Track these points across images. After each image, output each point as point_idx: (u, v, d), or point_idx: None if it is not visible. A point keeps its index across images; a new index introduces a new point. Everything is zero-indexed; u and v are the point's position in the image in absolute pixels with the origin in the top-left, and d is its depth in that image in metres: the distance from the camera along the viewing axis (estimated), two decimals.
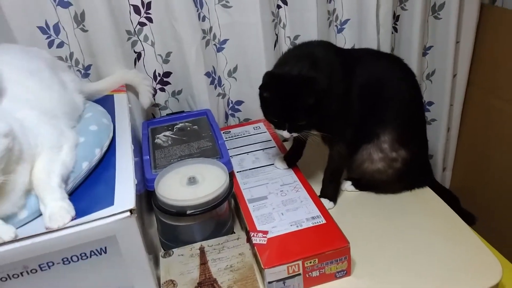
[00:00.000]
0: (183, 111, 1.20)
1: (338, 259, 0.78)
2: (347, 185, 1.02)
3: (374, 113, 0.90)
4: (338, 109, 0.86)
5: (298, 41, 1.20)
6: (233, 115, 1.29)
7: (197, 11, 1.08)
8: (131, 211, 0.62)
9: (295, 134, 0.86)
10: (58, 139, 0.69)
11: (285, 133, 0.85)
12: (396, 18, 1.28)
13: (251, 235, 0.81)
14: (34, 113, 0.69)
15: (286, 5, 1.16)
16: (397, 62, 0.97)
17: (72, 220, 0.61)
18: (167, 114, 1.21)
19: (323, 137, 0.91)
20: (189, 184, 0.83)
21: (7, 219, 0.61)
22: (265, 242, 0.79)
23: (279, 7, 1.16)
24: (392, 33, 1.28)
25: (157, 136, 1.07)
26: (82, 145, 0.74)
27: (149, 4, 1.07)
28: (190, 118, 1.15)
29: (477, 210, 1.32)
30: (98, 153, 0.75)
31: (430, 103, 1.43)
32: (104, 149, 0.78)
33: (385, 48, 1.26)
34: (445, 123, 1.41)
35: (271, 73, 0.86)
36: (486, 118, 1.38)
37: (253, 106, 1.25)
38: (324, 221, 0.83)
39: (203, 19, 1.11)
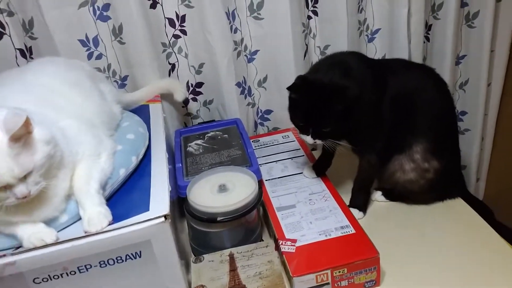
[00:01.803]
0: (213, 120, 1.23)
1: (367, 269, 0.78)
2: (378, 195, 1.01)
3: (406, 123, 0.90)
4: (369, 119, 0.87)
5: (328, 51, 1.22)
6: (262, 124, 1.31)
7: (229, 23, 1.11)
8: (165, 216, 0.65)
9: (318, 141, 0.86)
10: (97, 147, 0.73)
11: (309, 139, 0.86)
12: (428, 27, 1.27)
13: (280, 243, 0.82)
14: (75, 122, 0.73)
15: (317, 16, 1.17)
16: (429, 72, 0.96)
17: (109, 224, 0.64)
18: (199, 123, 1.24)
19: (353, 147, 0.91)
20: (219, 191, 0.85)
21: (49, 222, 0.65)
22: (294, 251, 0.80)
23: (309, 17, 1.18)
24: (424, 42, 1.27)
25: (189, 144, 1.10)
26: (120, 153, 0.77)
27: (183, 17, 1.11)
28: (220, 127, 1.17)
29: (509, 222, 1.29)
30: (134, 161, 0.79)
31: (464, 113, 1.40)
32: (140, 157, 0.81)
33: (417, 57, 1.25)
34: (479, 133, 1.38)
35: (303, 76, 0.88)
36: None
37: (282, 115, 1.27)
38: (353, 231, 0.84)
39: (235, 31, 1.14)
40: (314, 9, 1.17)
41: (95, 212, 0.65)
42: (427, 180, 0.93)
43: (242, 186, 0.86)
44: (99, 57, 1.09)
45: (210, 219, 0.80)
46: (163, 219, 0.64)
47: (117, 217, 0.66)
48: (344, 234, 0.83)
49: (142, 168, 0.80)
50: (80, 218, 0.67)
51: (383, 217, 0.98)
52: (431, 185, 0.94)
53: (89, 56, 1.08)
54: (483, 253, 0.85)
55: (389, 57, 1.25)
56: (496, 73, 1.32)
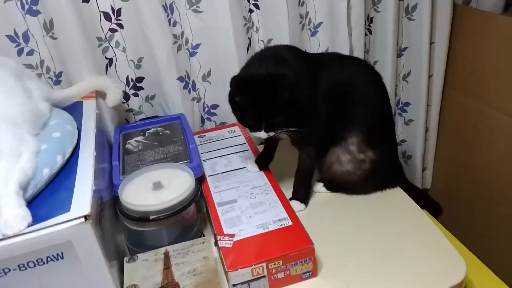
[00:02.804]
0: (156, 116, 1.20)
1: (302, 260, 0.78)
2: (319, 187, 1.02)
3: (340, 116, 0.91)
4: (305, 110, 0.87)
5: (272, 44, 1.21)
6: (209, 119, 1.29)
7: (167, 16, 1.08)
8: (86, 217, 0.62)
9: (272, 134, 0.85)
10: (17, 146, 0.69)
11: (262, 134, 0.85)
12: (370, 20, 1.29)
13: (218, 239, 0.81)
14: None
15: (258, 9, 1.16)
16: (363, 65, 0.98)
17: (28, 226, 0.61)
18: (140, 119, 1.21)
19: (292, 139, 0.91)
20: (154, 189, 0.83)
21: None
22: (231, 246, 0.80)
23: (251, 11, 1.17)
24: (366, 35, 1.29)
25: (128, 141, 1.07)
26: (44, 152, 0.74)
27: (119, 10, 1.07)
28: (163, 123, 1.15)
29: (458, 208, 1.34)
30: (60, 160, 0.75)
31: (407, 104, 1.43)
32: (67, 156, 0.78)
33: (359, 50, 1.27)
34: (423, 123, 1.42)
35: (238, 77, 0.86)
36: (464, 118, 1.39)
37: (228, 110, 1.23)
38: (290, 223, 0.84)
39: (174, 24, 1.11)
40: (255, 2, 1.16)
41: (13, 214, 0.61)
42: (363, 170, 0.94)
43: (178, 183, 0.84)
44: (30, 53, 1.04)
45: (142, 218, 0.78)
46: (83, 219, 0.62)
47: (38, 219, 0.63)
48: (281, 226, 0.83)
49: (69, 167, 0.77)
50: None
51: (324, 208, 0.99)
52: (368, 175, 0.95)
53: (19, 52, 1.02)
54: (418, 240, 0.87)
55: (332, 50, 1.26)
56: (437, 65, 1.35)
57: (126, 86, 1.18)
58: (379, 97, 0.96)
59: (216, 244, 0.83)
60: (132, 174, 0.87)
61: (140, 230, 0.81)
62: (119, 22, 1.09)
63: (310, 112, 0.88)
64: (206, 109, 1.27)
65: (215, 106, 1.27)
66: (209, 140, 1.17)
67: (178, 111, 1.18)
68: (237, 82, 0.84)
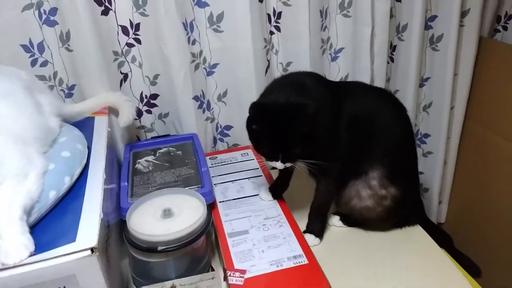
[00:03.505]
0: (168, 135, 1.16)
1: None
2: (335, 220, 0.97)
3: (362, 148, 0.86)
4: (326, 141, 0.82)
5: (290, 68, 1.18)
6: (221, 140, 1.25)
7: (187, 34, 1.05)
8: (92, 249, 0.58)
9: (289, 165, 0.81)
10: (24, 166, 0.65)
11: (279, 164, 0.80)
12: (393, 48, 1.25)
13: (228, 274, 0.77)
14: (1, 138, 0.65)
15: (279, 31, 1.13)
16: (388, 97, 0.93)
17: (30, 256, 0.57)
18: (152, 138, 1.17)
19: (310, 170, 0.87)
20: (163, 217, 0.78)
21: None
22: (242, 283, 0.75)
23: (271, 33, 1.13)
24: (388, 63, 1.25)
25: (138, 161, 1.03)
26: (51, 173, 0.70)
27: (138, 25, 1.05)
28: (175, 142, 1.11)
29: (471, 245, 1.28)
30: (67, 182, 0.71)
31: (427, 135, 1.39)
32: (75, 177, 0.74)
33: (380, 78, 1.23)
34: (442, 156, 1.37)
35: (258, 103, 0.82)
36: (483, 153, 1.34)
37: (242, 131, 1.19)
38: (306, 261, 0.79)
39: (193, 42, 1.08)
40: (277, 24, 1.13)
41: (15, 242, 0.57)
42: (384, 207, 0.89)
43: (189, 211, 0.79)
44: (44, 64, 1.01)
45: (150, 248, 0.73)
46: (89, 252, 0.57)
47: (42, 246, 0.59)
48: (296, 264, 0.78)
49: (76, 189, 0.73)
50: None
51: (340, 243, 0.93)
52: (389, 212, 0.90)
53: (33, 63, 0.99)
54: (440, 283, 0.82)
55: (352, 77, 1.22)
56: (459, 97, 1.31)
57: (140, 103, 1.14)
58: (404, 130, 0.91)
59: (225, 278, 0.78)
60: (141, 199, 0.82)
61: (146, 261, 0.76)
62: (137, 37, 1.06)
63: (331, 144, 0.84)
64: (220, 129, 1.24)
65: (228, 127, 1.23)
66: (221, 162, 1.13)
67: (191, 130, 1.15)
68: (256, 109, 0.80)
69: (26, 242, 0.58)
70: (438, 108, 1.32)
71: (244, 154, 1.16)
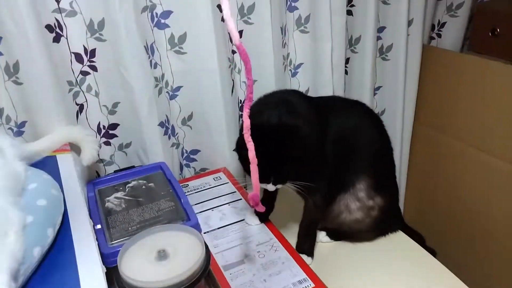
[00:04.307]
0: (133, 166, 1.08)
1: None
2: (322, 236, 0.96)
3: (348, 162, 0.87)
4: (314, 159, 0.82)
5: (255, 86, 1.15)
6: (188, 166, 1.20)
7: (149, 58, 0.99)
8: None
9: (279, 186, 0.80)
10: (2, 223, 0.56)
11: (270, 187, 0.79)
12: (346, 60, 1.29)
13: None
14: None
15: None
16: (365, 109, 0.96)
17: None
18: (115, 171, 1.08)
19: (298, 190, 0.85)
20: (159, 259, 0.71)
21: None
22: None
23: (233, 52, 1.11)
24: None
25: (107, 199, 0.94)
26: (31, 227, 0.61)
27: (93, 51, 0.97)
28: (143, 174, 1.03)
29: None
30: (51, 234, 0.62)
31: None
32: (57, 227, 0.65)
33: (339, 90, 1.26)
34: (398, 160, 1.43)
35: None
36: (434, 153, 1.43)
37: (209, 155, 1.17)
38: (313, 285, 0.77)
39: (155, 66, 1.02)
40: None
41: None
42: (372, 218, 0.91)
43: (185, 250, 0.73)
44: None
45: None
46: None
47: None
48: None
49: (60, 240, 0.64)
50: None
51: (330, 259, 0.93)
52: (376, 222, 0.92)
53: None
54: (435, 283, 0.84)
55: (313, 91, 1.23)
56: (408, 102, 1.39)
57: (97, 134, 1.05)
58: (383, 141, 0.94)
59: None
60: (128, 241, 0.74)
61: None
62: (92, 64, 0.98)
63: (320, 163, 0.83)
64: (185, 154, 1.18)
65: (195, 152, 1.18)
66: (194, 190, 1.08)
67: (158, 159, 1.08)
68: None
69: None
70: (390, 115, 1.39)
71: (217, 178, 1.12)
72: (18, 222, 0.59)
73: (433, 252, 1.00)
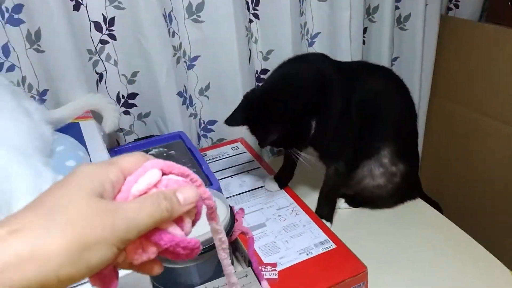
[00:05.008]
0: (153, 135, 1.09)
1: (357, 286, 0.72)
2: (341, 203, 0.97)
3: (373, 128, 0.87)
4: (338, 124, 0.82)
5: (271, 56, 1.15)
6: (205, 136, 1.21)
7: (167, 26, 0.99)
8: None
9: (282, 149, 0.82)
10: (35, 182, 0.57)
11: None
12: (364, 30, 1.28)
13: (259, 270, 0.73)
14: (1, 151, 0.56)
15: (258, 19, 1.11)
16: (391, 75, 0.95)
17: None
18: (135, 140, 1.10)
19: (320, 153, 0.86)
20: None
21: None
22: (277, 276, 0.72)
23: (250, 21, 1.10)
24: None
25: None
26: None
27: (112, 20, 0.97)
28: (163, 142, 1.04)
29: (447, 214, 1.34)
30: None
31: None
32: None
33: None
34: None
35: (249, 93, 0.86)
36: (450, 126, 1.42)
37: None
38: (334, 246, 0.78)
39: (173, 34, 1.02)
40: (255, 12, 1.10)
41: None
42: (394, 184, 0.91)
43: None
44: (11, 68, 0.90)
45: None
46: None
47: None
48: (325, 250, 0.77)
49: None
50: None
51: (349, 225, 0.94)
52: (397, 188, 0.92)
53: None
54: (454, 250, 0.85)
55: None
56: (425, 74, 1.37)
57: (117, 103, 1.06)
58: (408, 108, 0.93)
59: (256, 276, 0.75)
60: None
61: (172, 267, 0.71)
62: (111, 32, 0.98)
63: (341, 133, 0.83)
64: (203, 125, 1.19)
65: (212, 122, 1.18)
66: (212, 159, 1.09)
67: (176, 129, 1.09)
68: (245, 100, 0.84)
69: None
70: (407, 85, 1.36)
71: (235, 147, 1.13)
72: (50, 180, 0.60)
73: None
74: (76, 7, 0.92)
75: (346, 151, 0.86)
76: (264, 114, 0.78)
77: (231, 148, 1.13)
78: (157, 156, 0.97)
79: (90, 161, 0.74)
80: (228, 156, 1.09)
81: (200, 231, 0.68)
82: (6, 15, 0.86)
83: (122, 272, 0.50)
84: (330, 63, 0.88)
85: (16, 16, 0.87)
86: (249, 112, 0.81)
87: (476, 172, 1.34)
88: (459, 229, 0.91)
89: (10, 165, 0.56)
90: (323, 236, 0.80)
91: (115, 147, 1.06)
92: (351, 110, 0.83)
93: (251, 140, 1.18)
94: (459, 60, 1.35)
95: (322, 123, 0.80)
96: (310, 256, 0.76)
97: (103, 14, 0.96)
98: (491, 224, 1.28)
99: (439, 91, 1.42)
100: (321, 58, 0.89)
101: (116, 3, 0.95)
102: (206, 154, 1.11)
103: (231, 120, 0.81)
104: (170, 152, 1.00)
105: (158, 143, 1.04)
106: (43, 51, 0.90)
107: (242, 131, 1.15)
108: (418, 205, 0.99)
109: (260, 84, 1.16)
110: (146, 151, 1.01)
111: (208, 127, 1.19)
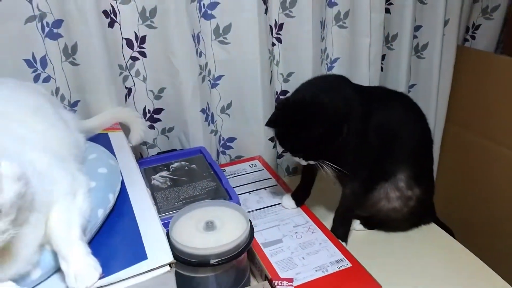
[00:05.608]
0: (175, 149, 1.13)
1: None
2: (356, 224, 0.99)
3: (390, 151, 0.90)
4: (356, 145, 0.85)
5: (291, 78, 1.20)
6: (224, 153, 1.24)
7: (195, 46, 1.04)
8: (170, 265, 0.55)
9: (312, 162, 0.83)
10: (72, 184, 0.61)
11: (302, 161, 0.83)
12: (382, 57, 1.31)
13: (275, 284, 0.75)
14: (44, 155, 0.60)
15: (281, 43, 1.15)
16: (409, 101, 0.98)
17: (100, 278, 0.53)
18: (158, 153, 1.13)
19: (338, 174, 0.89)
20: (206, 229, 0.76)
21: (19, 279, 0.52)
22: None
23: (273, 44, 1.15)
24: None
25: (153, 177, 0.99)
26: (95, 191, 0.65)
27: (143, 38, 1.02)
28: (184, 157, 1.08)
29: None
30: (112, 199, 0.67)
31: None
32: (117, 193, 0.70)
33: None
34: None
35: (283, 100, 0.87)
36: (464, 153, 1.44)
37: (245, 143, 1.21)
38: (349, 264, 0.80)
39: (200, 54, 1.07)
40: (278, 36, 1.14)
41: (83, 265, 0.53)
42: (409, 208, 0.93)
43: (231, 223, 0.77)
44: (47, 79, 0.95)
45: (201, 262, 0.71)
46: (168, 268, 0.54)
47: (108, 267, 0.55)
48: (341, 268, 0.79)
49: (119, 207, 0.69)
50: (54, 272, 0.55)
51: (364, 246, 0.95)
52: (412, 212, 0.94)
53: (36, 78, 0.93)
54: (468, 276, 0.86)
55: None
56: (441, 101, 1.40)
57: (142, 117, 1.10)
58: (425, 134, 0.96)
59: None
60: (178, 212, 0.79)
61: (192, 276, 0.73)
62: (142, 50, 1.03)
63: (362, 149, 0.86)
64: (222, 142, 1.22)
65: (231, 139, 1.22)
66: (231, 174, 1.12)
67: (197, 144, 1.12)
68: (282, 106, 0.84)
69: (94, 263, 0.54)
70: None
71: (252, 165, 1.16)
72: (85, 185, 0.64)
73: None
74: (111, 24, 0.97)
75: (363, 172, 0.88)
76: (304, 117, 0.79)
77: (249, 165, 1.16)
78: (179, 169, 1.01)
79: (120, 170, 0.77)
80: (246, 172, 1.12)
81: (229, 237, 0.71)
82: (46, 29, 0.92)
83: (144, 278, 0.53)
84: (352, 84, 0.91)
85: (55, 30, 0.92)
86: (288, 115, 0.82)
87: (488, 200, 1.35)
88: (471, 254, 0.92)
89: (52, 168, 0.60)
90: (339, 255, 0.82)
91: (138, 159, 1.10)
92: (370, 132, 0.86)
93: (269, 157, 1.21)
94: (474, 90, 1.38)
95: (345, 138, 0.82)
96: (326, 273, 0.78)
97: (135, 32, 1.01)
98: (505, 251, 1.28)
99: (454, 119, 1.45)
100: (343, 79, 0.93)
101: (149, 22, 1.00)
102: (225, 170, 1.14)
103: (272, 122, 0.83)
104: (192, 166, 1.03)
105: (180, 157, 1.07)
106: (77, 64, 0.95)
107: (260, 149, 1.20)
108: (431, 229, 1.00)
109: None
110: (169, 164, 1.04)
111: (228, 144, 1.22)
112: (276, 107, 0.87)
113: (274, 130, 0.85)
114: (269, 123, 0.83)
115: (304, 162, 0.84)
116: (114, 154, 0.84)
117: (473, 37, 1.46)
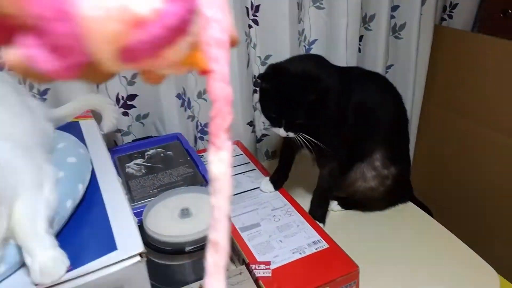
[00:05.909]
0: (151, 136, 1.11)
1: (348, 285, 0.74)
2: (334, 205, 0.99)
3: (367, 131, 0.90)
4: (335, 122, 0.85)
5: (269, 61, 1.18)
6: (202, 138, 1.22)
7: None
8: (141, 254, 0.54)
9: (291, 134, 0.83)
10: (38, 175, 0.59)
11: (282, 131, 0.83)
12: (359, 38, 1.30)
13: (253, 268, 0.75)
14: (6, 144, 0.58)
15: (257, 25, 1.13)
16: (385, 82, 0.98)
17: (67, 271, 0.52)
18: (133, 140, 1.11)
19: (316, 155, 0.88)
20: (182, 217, 0.75)
21: None
22: (270, 274, 0.74)
23: (250, 27, 1.13)
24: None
25: (127, 165, 0.97)
26: (63, 181, 0.64)
27: None
28: (160, 143, 1.06)
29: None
30: (81, 189, 0.65)
31: None
32: (86, 183, 0.68)
33: None
34: None
35: (275, 64, 0.86)
36: (440, 132, 1.45)
37: None
38: (327, 245, 0.80)
39: None
40: (255, 17, 1.12)
41: (49, 258, 0.51)
42: (386, 187, 0.93)
43: (207, 209, 0.77)
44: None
45: (176, 250, 0.70)
46: (138, 258, 0.53)
47: (77, 259, 0.53)
48: (318, 249, 0.79)
49: (89, 197, 0.67)
50: (20, 267, 0.54)
51: (341, 227, 0.95)
52: (389, 191, 0.94)
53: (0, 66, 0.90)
54: (445, 254, 0.87)
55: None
56: (418, 82, 1.40)
57: (116, 104, 1.08)
58: (401, 114, 0.96)
59: (250, 274, 0.77)
60: (152, 200, 0.78)
61: (167, 264, 0.73)
62: None
63: (340, 127, 0.86)
64: (200, 127, 1.20)
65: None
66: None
67: (174, 130, 1.11)
68: (271, 69, 0.84)
69: (61, 256, 0.53)
70: (401, 93, 1.39)
71: None
72: (52, 175, 0.62)
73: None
74: None
75: (340, 153, 0.88)
76: (297, 82, 0.80)
77: None
78: (154, 156, 0.99)
79: (90, 158, 0.75)
80: None
81: (205, 224, 0.70)
82: None
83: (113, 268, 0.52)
84: (330, 64, 0.91)
85: None
86: (280, 78, 0.81)
87: (465, 177, 1.37)
88: (448, 232, 0.93)
89: (15, 159, 0.58)
90: (316, 236, 0.82)
91: (112, 147, 1.08)
92: (349, 110, 0.86)
93: (248, 142, 1.20)
94: (451, 69, 1.38)
95: (327, 113, 0.83)
96: (303, 255, 0.78)
97: None
98: (481, 229, 1.31)
99: (431, 98, 1.45)
100: (323, 58, 0.92)
101: None
102: (203, 155, 1.12)
103: (263, 77, 0.83)
104: (168, 152, 1.02)
105: (156, 144, 1.06)
106: None
107: (239, 134, 1.19)
108: (409, 208, 1.01)
109: (257, 88, 1.18)
110: (144, 152, 1.03)
111: (205, 129, 1.21)
112: (268, 67, 0.86)
113: (261, 91, 0.85)
114: (261, 77, 0.83)
115: (283, 133, 0.82)
116: (84, 143, 0.81)
117: (450, 16, 1.46)
